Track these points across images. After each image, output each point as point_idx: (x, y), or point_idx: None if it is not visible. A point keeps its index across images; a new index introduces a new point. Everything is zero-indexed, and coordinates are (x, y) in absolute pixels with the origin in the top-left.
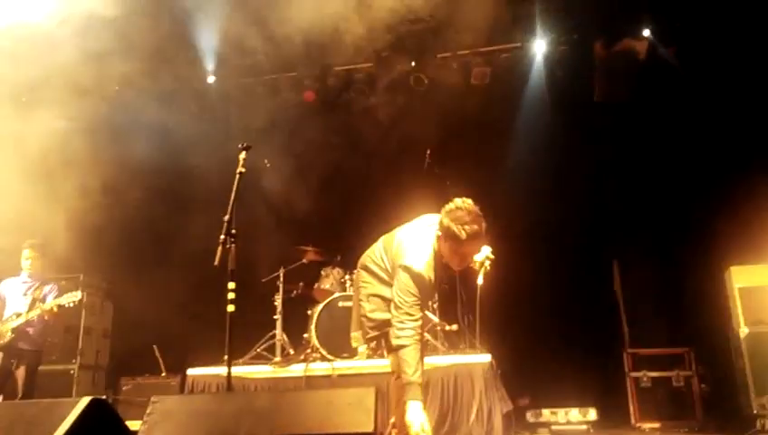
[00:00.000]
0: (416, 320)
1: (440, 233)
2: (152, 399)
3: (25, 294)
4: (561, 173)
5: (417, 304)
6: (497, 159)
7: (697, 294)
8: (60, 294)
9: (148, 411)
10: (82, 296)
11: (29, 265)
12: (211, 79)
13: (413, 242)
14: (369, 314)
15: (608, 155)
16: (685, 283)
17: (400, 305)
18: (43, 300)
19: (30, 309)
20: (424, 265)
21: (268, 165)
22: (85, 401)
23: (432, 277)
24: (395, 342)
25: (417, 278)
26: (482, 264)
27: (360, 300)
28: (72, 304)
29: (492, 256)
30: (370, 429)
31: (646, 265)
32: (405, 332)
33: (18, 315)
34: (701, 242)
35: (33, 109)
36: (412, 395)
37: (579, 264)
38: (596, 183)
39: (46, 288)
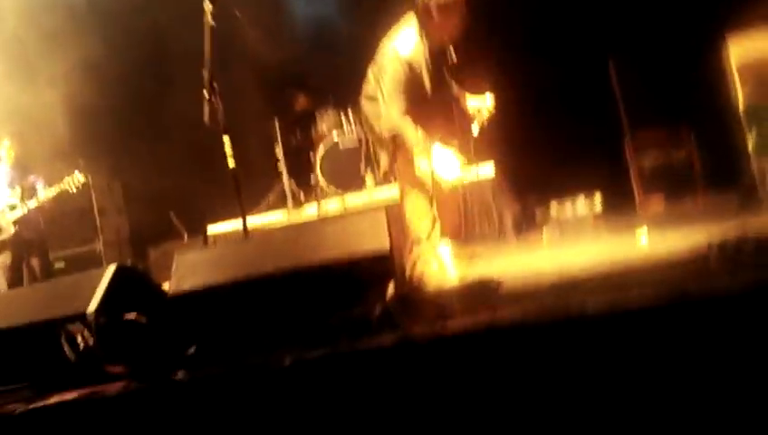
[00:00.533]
0: (402, 104)
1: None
2: (176, 254)
3: (11, 186)
4: None
5: (404, 90)
6: None
7: (695, 69)
8: (47, 182)
9: (173, 268)
10: (87, 178)
11: (9, 156)
12: None
13: (394, 34)
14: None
15: None
16: (681, 59)
17: (389, 95)
18: (32, 189)
19: (22, 199)
20: (410, 49)
21: (239, 15)
22: (111, 268)
23: (422, 63)
24: (388, 132)
25: (404, 65)
26: (477, 112)
27: (371, 131)
28: (75, 188)
29: (490, 108)
30: (386, 246)
31: (641, 48)
32: (393, 117)
33: (13, 207)
34: (695, 10)
35: None
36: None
37: (573, 55)
38: None
39: (32, 177)
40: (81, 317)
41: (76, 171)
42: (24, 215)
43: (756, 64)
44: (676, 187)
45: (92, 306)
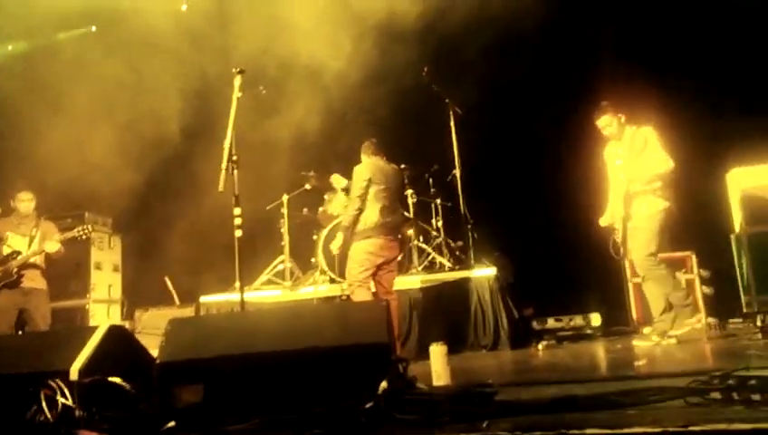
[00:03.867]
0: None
1: None
2: (169, 320)
3: (24, 235)
4: (554, 79)
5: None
6: (495, 67)
7: (698, 198)
8: (60, 232)
9: (164, 332)
10: (90, 229)
11: (25, 206)
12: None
13: None
14: None
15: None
16: (685, 187)
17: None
18: (44, 238)
19: (30, 247)
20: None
21: (264, 91)
22: (104, 326)
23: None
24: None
25: None
26: None
27: None
28: (83, 237)
29: None
30: (385, 339)
31: None
32: None
33: (19, 254)
34: (701, 145)
35: None
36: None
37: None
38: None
39: (45, 227)
40: (64, 374)
41: (90, 225)
42: (29, 264)
43: (758, 196)
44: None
45: (78, 364)
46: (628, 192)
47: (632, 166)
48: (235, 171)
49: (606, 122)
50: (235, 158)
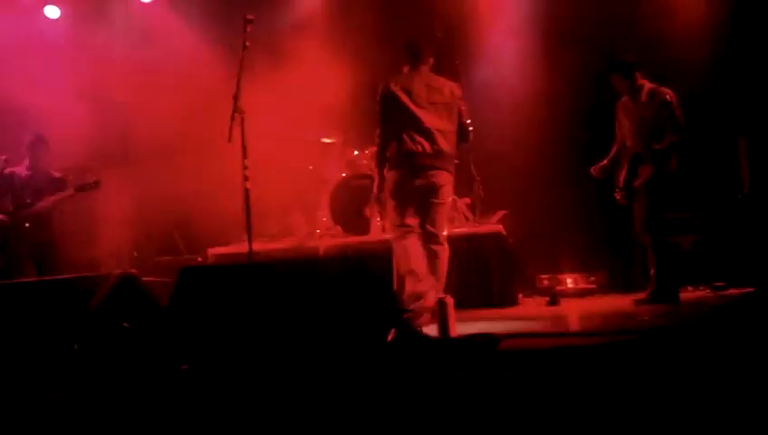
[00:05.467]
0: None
1: None
2: (182, 270)
3: (35, 188)
4: None
5: None
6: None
7: (706, 161)
8: (69, 184)
9: (177, 282)
10: (98, 182)
11: (35, 158)
12: None
13: None
14: None
15: None
16: (694, 150)
17: None
18: (54, 190)
19: (41, 199)
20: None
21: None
22: (116, 274)
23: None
24: None
25: None
26: None
27: None
28: (92, 188)
29: None
30: (391, 291)
31: None
32: None
33: (29, 206)
34: (710, 112)
35: None
36: None
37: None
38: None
39: (54, 178)
40: (79, 318)
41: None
42: (37, 216)
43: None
44: (682, 272)
45: (92, 309)
46: (635, 152)
47: (641, 126)
48: (243, 123)
49: (619, 81)
50: (242, 109)
